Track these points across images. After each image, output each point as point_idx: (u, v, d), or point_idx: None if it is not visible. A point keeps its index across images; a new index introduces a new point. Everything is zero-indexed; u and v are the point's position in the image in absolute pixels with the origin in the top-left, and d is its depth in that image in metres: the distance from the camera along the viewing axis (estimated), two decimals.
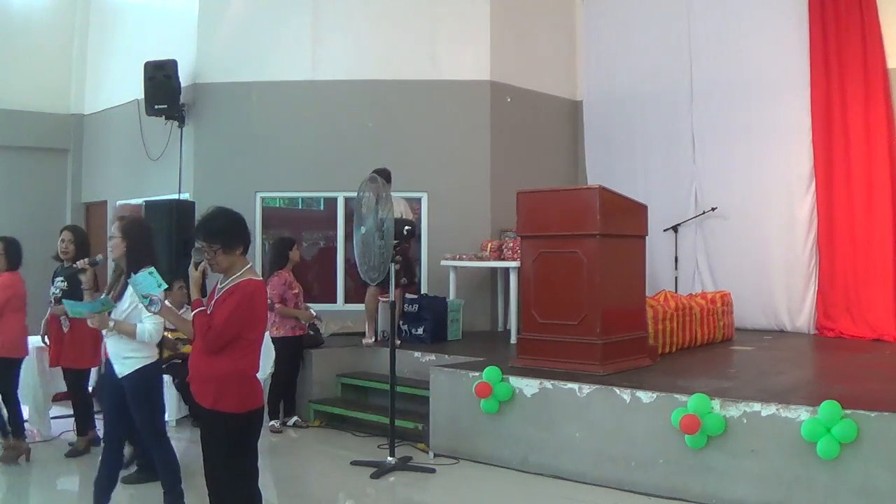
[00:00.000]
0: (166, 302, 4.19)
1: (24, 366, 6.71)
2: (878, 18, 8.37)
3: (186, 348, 6.79)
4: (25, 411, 6.78)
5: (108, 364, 4.54)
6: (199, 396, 3.67)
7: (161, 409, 4.75)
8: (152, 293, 4.00)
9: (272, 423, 7.15)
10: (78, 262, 4.92)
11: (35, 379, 6.86)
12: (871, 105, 8.40)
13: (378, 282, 7.22)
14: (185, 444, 6.76)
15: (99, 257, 4.98)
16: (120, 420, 4.52)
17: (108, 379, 4.57)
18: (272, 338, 7.00)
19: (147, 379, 4.49)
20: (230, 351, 3.58)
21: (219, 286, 3.72)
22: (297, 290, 7.30)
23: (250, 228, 3.96)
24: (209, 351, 3.57)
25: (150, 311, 4.10)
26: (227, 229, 3.66)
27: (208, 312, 3.62)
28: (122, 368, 4.44)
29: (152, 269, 4.13)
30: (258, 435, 3.80)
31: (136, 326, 4.39)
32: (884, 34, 8.35)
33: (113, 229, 4.59)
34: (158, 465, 4.65)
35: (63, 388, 6.95)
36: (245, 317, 3.61)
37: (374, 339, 7.85)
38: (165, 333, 7.24)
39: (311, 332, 7.80)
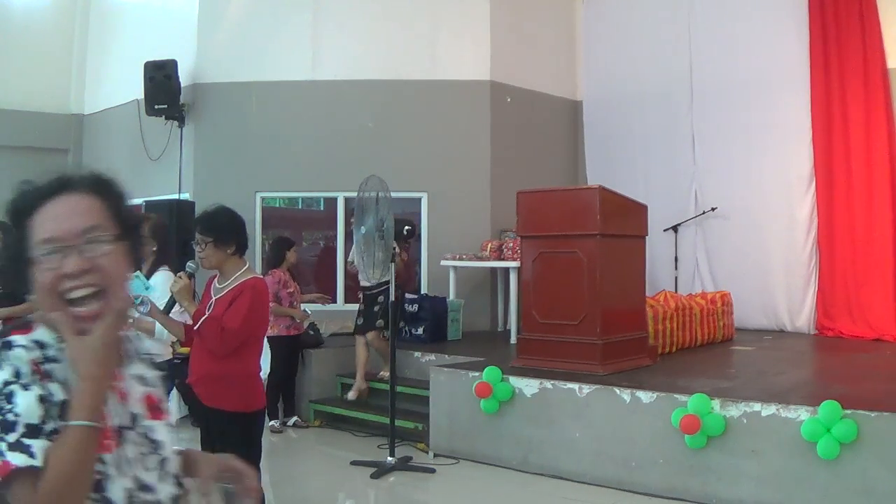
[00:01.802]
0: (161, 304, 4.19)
1: None
2: (878, 18, 8.37)
3: (184, 349, 6.78)
4: None
5: None
6: (205, 397, 3.67)
7: None
8: (140, 294, 4.02)
9: (272, 423, 7.15)
10: None
11: None
12: (871, 105, 8.40)
13: (368, 327, 7.25)
14: (185, 444, 6.76)
15: None
16: None
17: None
18: (267, 337, 7.01)
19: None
20: (239, 350, 3.60)
21: (216, 285, 3.72)
22: (291, 290, 7.30)
23: (250, 228, 3.98)
24: (222, 353, 3.56)
25: (139, 311, 4.11)
26: (222, 227, 3.68)
27: (208, 311, 3.62)
28: None
29: (137, 272, 4.16)
30: (262, 434, 3.81)
31: (154, 324, 4.39)
32: (884, 34, 8.36)
33: None
34: None
35: None
36: (257, 316, 3.63)
37: (356, 396, 7.32)
38: None
39: (311, 332, 7.81)
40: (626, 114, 10.11)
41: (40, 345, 1.38)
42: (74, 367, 1.36)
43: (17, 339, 1.37)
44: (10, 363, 1.32)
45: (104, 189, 1.47)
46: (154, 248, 4.56)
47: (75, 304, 1.38)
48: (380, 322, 7.15)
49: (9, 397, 1.30)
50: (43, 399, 1.31)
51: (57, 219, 1.40)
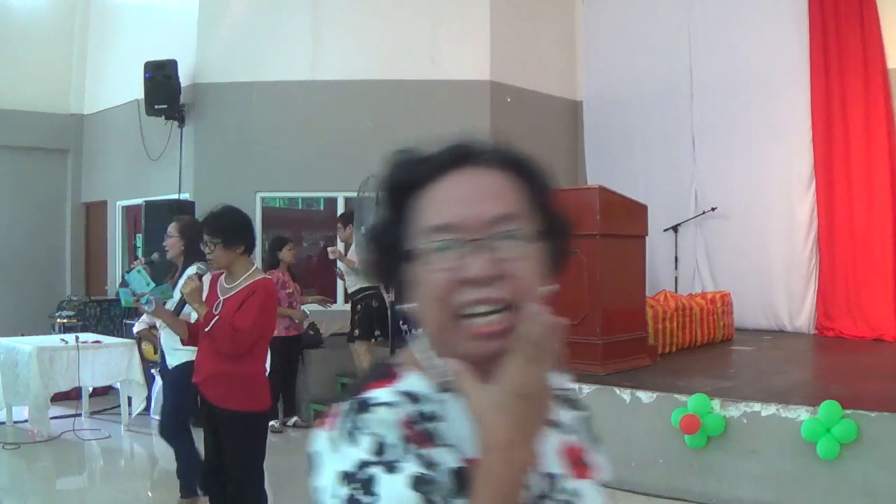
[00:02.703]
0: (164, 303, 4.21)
1: (24, 366, 6.73)
2: (878, 18, 8.37)
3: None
4: (25, 411, 6.80)
5: (163, 356, 4.74)
6: (215, 398, 3.67)
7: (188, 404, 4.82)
8: (143, 291, 4.04)
9: (272, 423, 7.15)
10: (134, 263, 5.06)
11: (35, 379, 6.87)
12: (871, 105, 8.40)
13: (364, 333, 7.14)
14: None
15: (154, 256, 5.13)
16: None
17: (162, 370, 4.81)
18: None
19: (189, 373, 4.57)
20: (248, 351, 3.62)
21: (224, 284, 3.73)
22: (290, 290, 7.28)
23: None
24: (235, 354, 3.57)
25: (144, 309, 4.15)
26: (230, 227, 3.70)
27: (216, 312, 3.63)
28: (171, 360, 4.61)
29: (140, 267, 4.20)
30: (266, 434, 3.84)
31: (170, 315, 4.40)
32: (884, 34, 8.36)
33: (170, 229, 4.81)
34: (181, 459, 4.76)
35: (63, 387, 6.95)
36: (267, 316, 3.67)
37: None
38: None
39: (311, 333, 7.80)
40: (626, 114, 10.11)
41: (412, 398, 0.96)
42: (477, 429, 0.90)
43: (378, 394, 0.95)
44: (368, 432, 0.91)
45: (521, 167, 1.04)
46: (182, 248, 4.68)
47: (473, 319, 0.95)
48: (355, 332, 7.10)
49: (367, 485, 0.88)
50: (422, 481, 0.89)
51: (458, 201, 0.98)
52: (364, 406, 0.93)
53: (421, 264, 0.97)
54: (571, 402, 1.16)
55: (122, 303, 4.71)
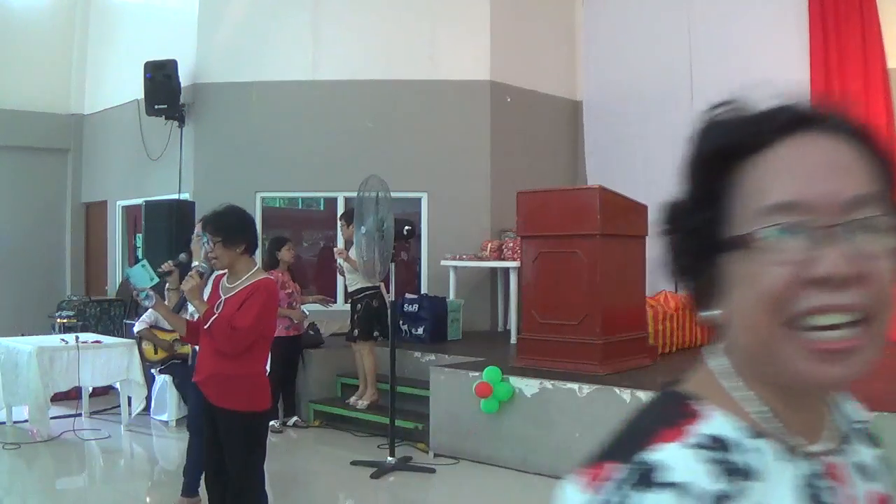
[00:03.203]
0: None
1: (24, 366, 6.73)
2: (878, 18, 8.38)
3: (185, 349, 6.78)
4: (25, 411, 6.80)
5: (194, 356, 4.66)
6: (213, 397, 3.67)
7: None
8: (145, 286, 4.03)
9: (272, 423, 7.14)
10: (163, 266, 5.01)
11: (35, 379, 6.87)
12: (871, 105, 8.39)
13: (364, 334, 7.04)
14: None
15: (181, 256, 5.10)
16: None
17: (192, 371, 4.75)
18: None
19: None
20: (248, 351, 3.62)
21: (225, 284, 3.74)
22: (290, 290, 7.26)
23: None
24: (234, 353, 3.57)
25: (143, 304, 4.13)
26: (231, 226, 3.71)
27: (216, 311, 3.63)
28: None
29: (145, 262, 4.18)
30: (267, 434, 3.85)
31: (169, 311, 4.29)
32: (884, 34, 8.36)
33: (198, 228, 4.82)
34: (191, 456, 4.77)
35: (63, 387, 6.95)
36: (267, 316, 3.67)
37: (367, 403, 7.08)
38: (161, 334, 7.30)
39: (311, 333, 7.80)
40: (626, 114, 10.11)
41: (722, 445, 0.74)
42: None
43: (669, 460, 0.73)
44: None
45: (868, 140, 0.78)
46: None
47: (816, 332, 0.72)
48: (355, 332, 7.06)
49: None
50: None
51: (806, 173, 0.74)
52: (644, 482, 0.72)
53: (750, 255, 0.74)
54: (870, 438, 0.91)
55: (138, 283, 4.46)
